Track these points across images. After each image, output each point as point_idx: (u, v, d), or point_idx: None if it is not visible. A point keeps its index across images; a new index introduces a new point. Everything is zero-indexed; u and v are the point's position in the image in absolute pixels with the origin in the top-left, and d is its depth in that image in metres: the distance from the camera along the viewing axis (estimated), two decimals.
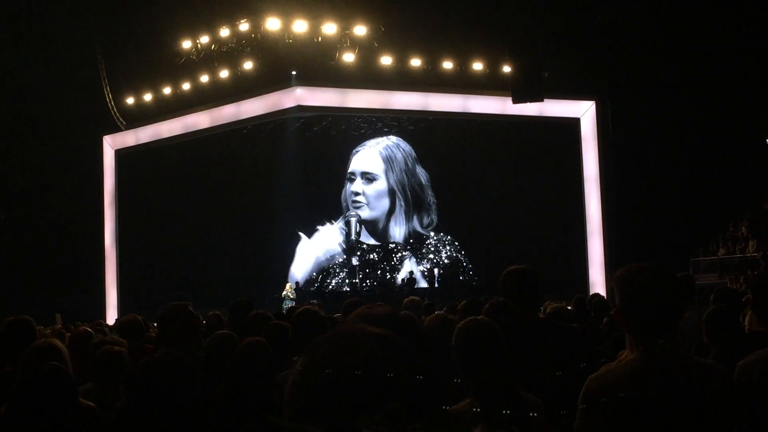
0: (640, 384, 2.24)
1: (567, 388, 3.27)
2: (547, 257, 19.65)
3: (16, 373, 3.50)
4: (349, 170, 23.85)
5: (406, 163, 23.79)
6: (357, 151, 23.96)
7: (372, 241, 23.80)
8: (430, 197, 23.84)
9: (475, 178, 22.80)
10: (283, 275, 23.14)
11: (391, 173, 23.72)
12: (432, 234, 23.83)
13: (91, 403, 3.58)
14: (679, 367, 2.27)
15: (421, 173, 23.84)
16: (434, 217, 23.84)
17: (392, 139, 23.97)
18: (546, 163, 22.46)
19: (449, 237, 23.77)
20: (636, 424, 2.20)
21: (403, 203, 23.71)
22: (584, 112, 23.14)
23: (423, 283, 22.86)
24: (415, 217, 23.79)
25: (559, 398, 3.16)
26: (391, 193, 23.73)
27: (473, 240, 23.20)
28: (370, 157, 23.88)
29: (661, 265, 2.37)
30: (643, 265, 2.33)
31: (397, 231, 23.78)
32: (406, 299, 6.83)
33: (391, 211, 23.76)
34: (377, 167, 23.78)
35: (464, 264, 23.48)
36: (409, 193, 23.71)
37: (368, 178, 23.68)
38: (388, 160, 23.79)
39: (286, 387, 1.17)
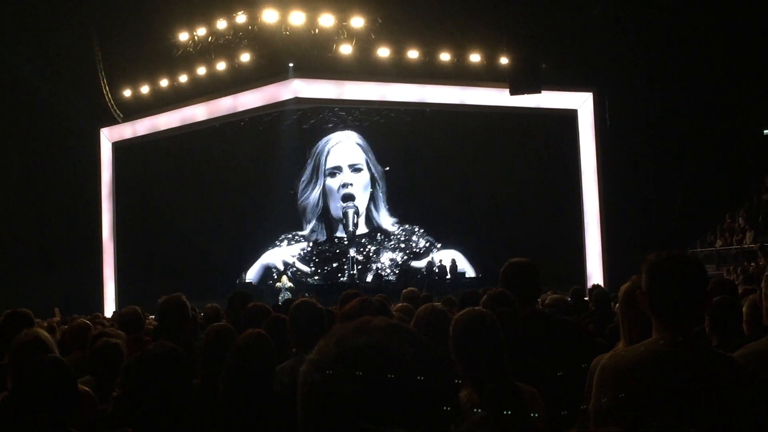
0: (660, 366, 2.30)
1: (564, 380, 3.29)
2: (544, 248, 19.63)
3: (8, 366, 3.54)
4: (332, 165, 23.79)
5: (373, 153, 23.98)
6: (333, 146, 23.92)
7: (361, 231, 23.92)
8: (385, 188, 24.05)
9: (472, 169, 22.81)
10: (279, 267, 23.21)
11: (370, 162, 23.86)
12: (406, 226, 24.00)
13: (88, 389, 3.62)
14: (699, 355, 2.33)
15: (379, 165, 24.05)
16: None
17: (354, 133, 24.04)
18: (543, 155, 22.48)
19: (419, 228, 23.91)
20: (652, 405, 2.24)
21: (381, 189, 23.87)
22: (582, 103, 23.15)
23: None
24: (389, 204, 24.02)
25: (556, 389, 3.18)
26: (373, 181, 23.86)
27: (470, 232, 23.20)
28: (351, 149, 23.95)
29: (691, 254, 2.46)
30: (674, 252, 2.42)
31: (383, 217, 23.87)
32: (404, 290, 6.83)
33: (371, 199, 23.89)
34: (361, 158, 23.89)
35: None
36: (382, 181, 23.91)
37: (356, 168, 23.75)
38: (367, 151, 23.91)
39: (302, 367, 1.17)
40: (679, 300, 2.35)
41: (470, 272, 23.40)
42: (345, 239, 23.76)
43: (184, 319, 4.52)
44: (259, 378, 3.16)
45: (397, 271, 23.14)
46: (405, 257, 23.73)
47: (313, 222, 23.99)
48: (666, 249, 2.44)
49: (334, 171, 23.79)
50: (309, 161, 23.96)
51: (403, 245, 23.93)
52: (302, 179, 23.99)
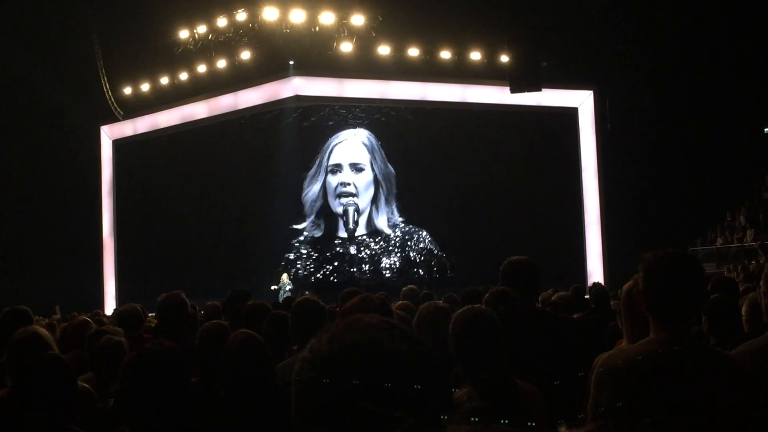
0: (657, 366, 2.28)
1: (565, 379, 3.29)
2: (545, 247, 19.63)
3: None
4: (333, 162, 23.63)
5: (381, 154, 23.83)
6: (337, 144, 23.80)
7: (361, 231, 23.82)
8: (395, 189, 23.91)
9: (472, 167, 22.76)
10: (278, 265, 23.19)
11: (375, 163, 23.71)
12: (410, 226, 23.86)
13: (88, 386, 3.61)
14: (697, 354, 2.32)
15: (390, 166, 23.88)
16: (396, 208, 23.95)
17: (365, 132, 23.92)
18: (544, 153, 22.45)
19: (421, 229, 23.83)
20: (650, 403, 2.23)
21: (385, 192, 23.74)
22: (582, 101, 23.13)
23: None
24: (392, 207, 23.83)
25: (556, 388, 3.17)
26: (376, 182, 23.73)
27: (469, 231, 23.18)
28: (356, 147, 23.78)
29: (688, 253, 2.44)
30: (670, 251, 2.41)
31: (381, 220, 23.77)
32: (404, 288, 6.82)
33: (374, 200, 23.76)
34: (364, 157, 23.72)
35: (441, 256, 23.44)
36: (388, 182, 23.78)
37: (357, 168, 23.59)
38: (372, 151, 23.78)
39: (296, 365, 1.18)
40: (676, 299, 2.33)
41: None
42: (346, 237, 23.68)
43: (184, 317, 4.50)
44: (258, 378, 3.15)
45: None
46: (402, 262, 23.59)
47: (312, 217, 23.88)
48: (666, 247, 2.43)
49: (335, 168, 23.66)
50: (317, 156, 23.87)
51: (404, 248, 23.78)
52: (309, 172, 23.90)
